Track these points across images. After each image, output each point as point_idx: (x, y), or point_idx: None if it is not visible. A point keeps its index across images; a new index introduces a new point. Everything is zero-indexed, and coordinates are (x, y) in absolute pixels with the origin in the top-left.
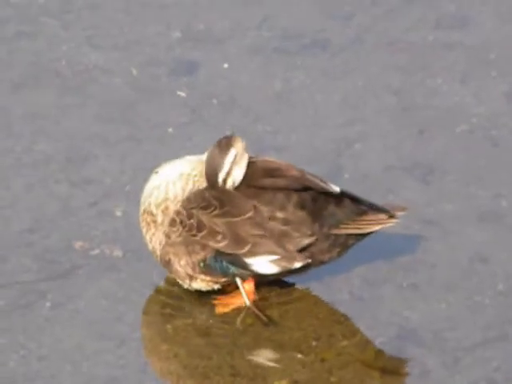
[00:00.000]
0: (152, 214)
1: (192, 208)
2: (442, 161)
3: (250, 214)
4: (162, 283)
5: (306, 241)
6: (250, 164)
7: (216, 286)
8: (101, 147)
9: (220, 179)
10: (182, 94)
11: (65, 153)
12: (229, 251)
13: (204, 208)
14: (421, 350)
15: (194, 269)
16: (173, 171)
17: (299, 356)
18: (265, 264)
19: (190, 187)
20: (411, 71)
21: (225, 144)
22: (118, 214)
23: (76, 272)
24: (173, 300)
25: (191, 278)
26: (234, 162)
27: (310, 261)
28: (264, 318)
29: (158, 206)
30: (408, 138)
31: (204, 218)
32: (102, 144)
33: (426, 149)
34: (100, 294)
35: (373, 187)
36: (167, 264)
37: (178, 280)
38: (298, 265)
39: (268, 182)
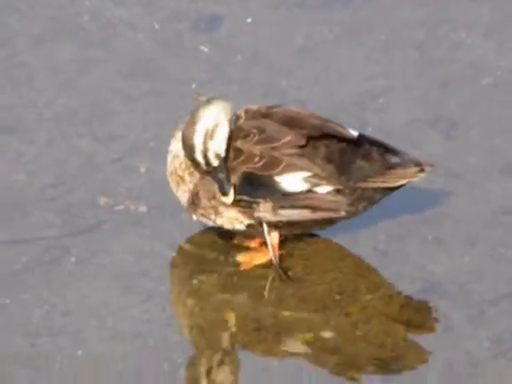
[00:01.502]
0: (179, 175)
1: (229, 142)
2: (466, 114)
3: (288, 139)
4: (186, 239)
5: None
6: (271, 114)
7: (238, 226)
8: (124, 102)
9: (199, 159)
10: (205, 49)
11: (88, 108)
12: (263, 172)
13: (243, 137)
14: (445, 304)
15: (220, 198)
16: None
17: (324, 310)
18: (295, 181)
19: None
20: (434, 25)
21: (191, 122)
22: (142, 170)
23: (100, 227)
24: (197, 255)
25: (217, 212)
26: (206, 138)
27: (341, 187)
28: (283, 275)
29: (183, 170)
30: (432, 91)
31: (243, 146)
32: (125, 99)
33: (450, 102)
34: (125, 249)
35: (397, 141)
36: (196, 199)
37: (203, 219)
38: (328, 188)
39: (292, 130)
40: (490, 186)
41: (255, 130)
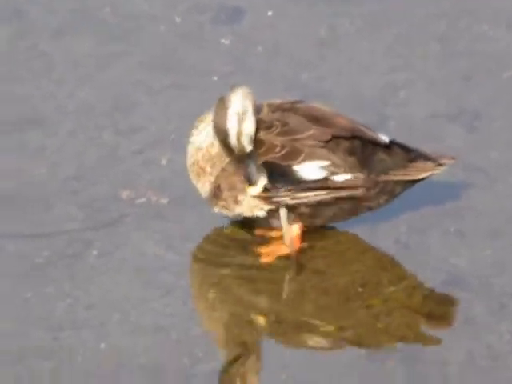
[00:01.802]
0: (200, 167)
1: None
2: (488, 107)
3: (311, 132)
4: (208, 231)
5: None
6: (295, 110)
7: (258, 213)
8: (145, 95)
9: (233, 143)
10: (226, 41)
11: (109, 100)
12: (283, 162)
13: (266, 129)
14: (467, 296)
15: (241, 188)
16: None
17: (345, 302)
18: (313, 169)
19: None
20: (456, 17)
21: (222, 108)
22: (164, 162)
23: (122, 220)
24: (219, 248)
25: (237, 202)
26: (239, 121)
27: (360, 175)
28: (297, 267)
29: (206, 161)
30: (454, 84)
31: (265, 137)
32: (147, 92)
33: (472, 95)
34: (147, 242)
35: (418, 134)
36: (217, 191)
37: (224, 210)
38: (346, 176)
39: (315, 128)
40: (511, 180)
41: (278, 123)
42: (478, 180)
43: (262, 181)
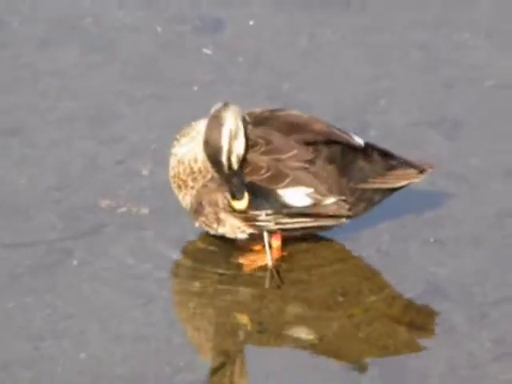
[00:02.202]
0: (182, 179)
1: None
2: (469, 115)
3: (294, 152)
4: (188, 242)
5: (337, 198)
6: (274, 118)
7: (240, 235)
8: (127, 105)
9: (224, 161)
10: (208, 51)
11: (91, 110)
12: (268, 185)
13: (250, 147)
14: (448, 305)
15: (224, 208)
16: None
17: (326, 312)
18: (299, 196)
19: None
20: (437, 26)
21: (216, 125)
22: (145, 172)
23: (103, 230)
24: (200, 258)
25: (219, 221)
26: (230, 139)
27: (343, 198)
28: (277, 280)
29: (187, 175)
30: (434, 93)
31: (249, 156)
32: (128, 102)
33: (453, 103)
34: (127, 251)
35: (399, 143)
36: (199, 206)
37: (205, 227)
38: (331, 200)
39: (294, 137)
40: (492, 187)
41: (262, 141)
42: (459, 188)
43: (247, 197)
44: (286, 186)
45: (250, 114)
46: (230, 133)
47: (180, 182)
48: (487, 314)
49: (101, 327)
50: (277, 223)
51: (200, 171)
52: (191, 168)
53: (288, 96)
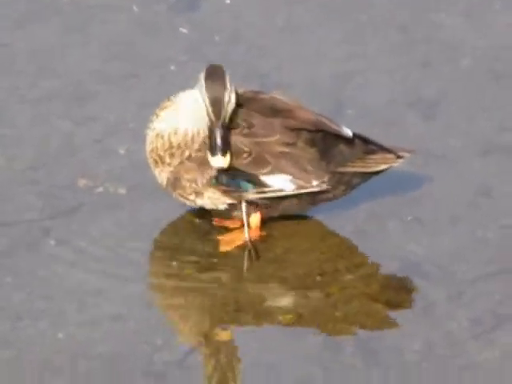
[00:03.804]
0: (159, 155)
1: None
2: (446, 94)
3: (277, 137)
4: (166, 221)
5: (319, 181)
6: (259, 100)
7: (221, 206)
8: (103, 84)
9: (222, 112)
10: (184, 30)
11: (68, 90)
12: (250, 170)
13: (231, 128)
14: (425, 284)
15: (203, 185)
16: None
17: (304, 291)
18: (283, 182)
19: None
20: (414, 5)
21: (219, 75)
22: (122, 151)
23: (80, 209)
24: (177, 237)
25: (197, 193)
26: (231, 91)
27: (326, 186)
28: (253, 256)
29: (165, 150)
30: (411, 72)
31: (231, 138)
32: (105, 81)
33: (430, 83)
34: (104, 231)
35: (376, 122)
36: (176, 181)
37: (181, 198)
38: (314, 183)
39: (279, 121)
40: (470, 166)
41: (244, 123)
42: (437, 167)
43: (228, 157)
44: (268, 174)
45: None
46: (231, 86)
47: (157, 158)
48: (464, 292)
49: (78, 307)
50: (258, 192)
51: (179, 147)
52: (170, 142)
53: (264, 75)
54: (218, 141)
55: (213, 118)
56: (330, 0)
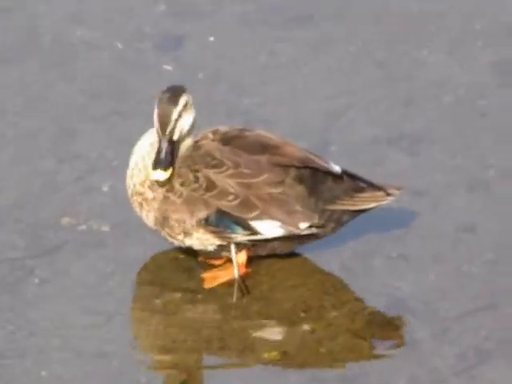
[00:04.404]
0: (141, 194)
1: (197, 169)
2: (429, 131)
3: (264, 176)
4: (149, 257)
5: (309, 223)
6: (243, 137)
7: (210, 247)
8: (87, 122)
9: (169, 127)
10: (168, 67)
11: (50, 128)
12: (237, 214)
13: (215, 167)
14: (410, 320)
15: (192, 225)
16: (143, 145)
17: (289, 328)
18: (272, 228)
19: None
20: (397, 42)
21: (173, 93)
22: (105, 189)
23: (63, 248)
24: (161, 274)
25: (186, 233)
26: (184, 108)
27: (315, 230)
28: (245, 293)
29: (142, 184)
30: (395, 109)
31: (215, 177)
32: (88, 119)
33: (413, 120)
34: (88, 269)
35: (360, 159)
36: (164, 220)
37: (169, 238)
38: (304, 226)
39: (263, 158)
40: (454, 202)
41: (229, 162)
42: (421, 203)
43: (169, 171)
44: (256, 219)
45: (214, 132)
46: (186, 103)
47: (139, 199)
48: (450, 328)
49: (62, 345)
50: (247, 235)
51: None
52: (146, 168)
53: (248, 112)
54: (162, 155)
55: (159, 134)
56: (313, 37)
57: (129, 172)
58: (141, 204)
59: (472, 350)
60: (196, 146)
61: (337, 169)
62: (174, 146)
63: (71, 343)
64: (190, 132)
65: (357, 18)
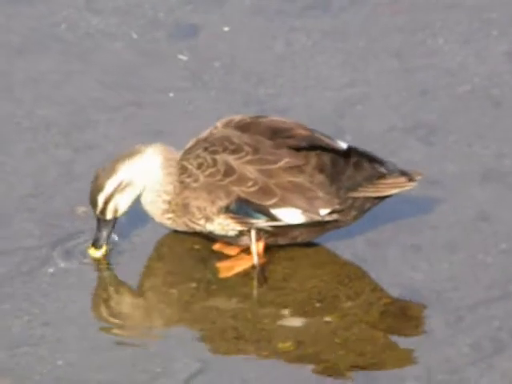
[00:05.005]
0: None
1: (216, 151)
2: (444, 121)
3: (285, 161)
4: (164, 246)
5: (330, 209)
6: (257, 124)
7: (231, 232)
8: (102, 112)
9: (98, 209)
10: (183, 57)
11: (66, 118)
12: (256, 200)
13: (234, 152)
14: (424, 310)
15: (213, 213)
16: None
17: (303, 318)
18: (293, 215)
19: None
20: (412, 32)
21: (109, 169)
22: None
23: (79, 237)
24: (176, 264)
25: (207, 219)
26: (119, 186)
27: (336, 216)
28: (263, 280)
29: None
30: (410, 98)
31: (235, 163)
32: (104, 109)
33: (428, 109)
34: (103, 258)
35: (375, 148)
36: (184, 208)
37: (191, 223)
38: (324, 212)
39: (283, 142)
40: (468, 192)
41: (248, 148)
42: (435, 193)
43: (104, 250)
44: (275, 206)
45: (229, 122)
46: (122, 182)
47: (169, 215)
48: (464, 318)
49: (78, 334)
50: (268, 220)
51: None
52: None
53: (264, 101)
54: (96, 235)
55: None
56: (328, 26)
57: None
58: (170, 219)
59: (486, 340)
60: (209, 134)
61: (343, 146)
62: (108, 224)
63: (87, 332)
64: (133, 204)
65: (372, 7)
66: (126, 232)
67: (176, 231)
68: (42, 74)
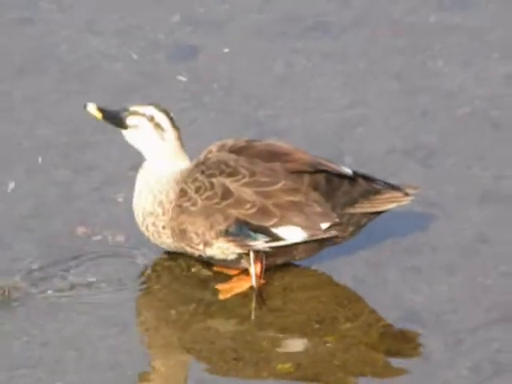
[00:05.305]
0: (151, 213)
1: (213, 175)
2: (444, 143)
3: (282, 183)
4: (164, 268)
5: (330, 223)
6: (252, 147)
7: (231, 256)
8: (102, 133)
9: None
10: (183, 78)
11: (66, 138)
12: (255, 222)
13: (231, 175)
14: (424, 332)
15: (212, 237)
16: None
17: (302, 339)
18: (293, 232)
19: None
20: (412, 53)
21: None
22: (120, 199)
23: (79, 258)
24: (176, 285)
25: (206, 244)
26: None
27: (336, 232)
28: (262, 304)
29: (151, 203)
30: (409, 120)
31: (231, 186)
32: (103, 130)
33: (428, 131)
34: (102, 279)
35: (375, 170)
36: (181, 233)
37: (189, 249)
38: (324, 226)
39: (277, 165)
40: (467, 214)
41: (245, 171)
42: (435, 215)
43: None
44: (276, 226)
45: (223, 146)
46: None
47: (152, 228)
48: (463, 340)
49: (76, 355)
50: (268, 241)
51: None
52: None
53: (263, 123)
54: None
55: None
56: (328, 48)
57: (134, 201)
58: (154, 224)
59: (485, 362)
60: (205, 158)
61: (348, 171)
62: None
63: (85, 353)
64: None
65: (372, 29)
66: (125, 252)
67: (176, 254)
68: (41, 94)
